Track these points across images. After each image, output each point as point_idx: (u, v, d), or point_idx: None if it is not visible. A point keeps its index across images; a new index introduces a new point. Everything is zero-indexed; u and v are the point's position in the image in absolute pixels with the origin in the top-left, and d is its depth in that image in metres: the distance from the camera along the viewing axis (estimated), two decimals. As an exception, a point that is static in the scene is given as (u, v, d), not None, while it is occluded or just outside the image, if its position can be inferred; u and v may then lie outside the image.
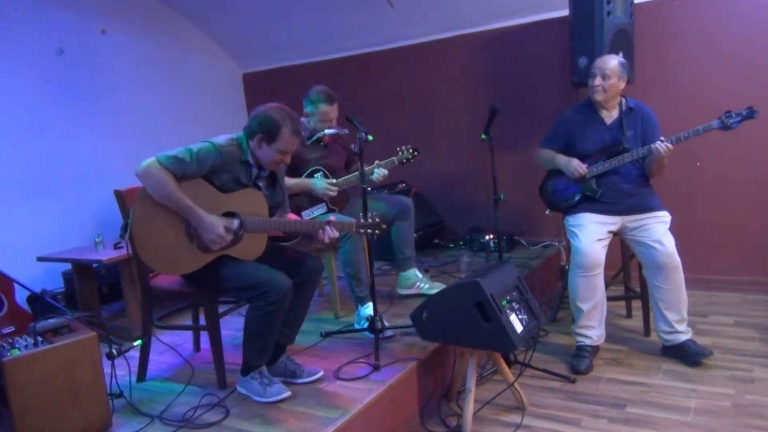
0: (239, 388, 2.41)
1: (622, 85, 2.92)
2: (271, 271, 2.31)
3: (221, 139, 2.35)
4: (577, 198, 3.00)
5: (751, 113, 2.69)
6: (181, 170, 2.23)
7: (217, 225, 2.27)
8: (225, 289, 2.41)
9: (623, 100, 2.99)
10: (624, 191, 2.90)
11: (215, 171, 2.32)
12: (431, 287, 3.35)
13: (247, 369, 2.37)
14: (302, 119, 3.31)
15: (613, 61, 2.89)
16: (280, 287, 2.25)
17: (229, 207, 2.36)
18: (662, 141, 2.76)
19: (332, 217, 2.48)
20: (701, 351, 2.79)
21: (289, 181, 3.16)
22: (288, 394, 2.31)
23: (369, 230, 2.48)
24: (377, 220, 2.49)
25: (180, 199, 2.23)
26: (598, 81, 2.90)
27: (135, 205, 2.29)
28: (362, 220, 2.49)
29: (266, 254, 2.47)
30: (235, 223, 2.33)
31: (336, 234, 2.43)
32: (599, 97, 2.92)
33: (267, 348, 2.37)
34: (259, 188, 2.47)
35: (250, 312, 2.32)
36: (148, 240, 2.30)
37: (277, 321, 2.31)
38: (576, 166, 2.97)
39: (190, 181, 2.28)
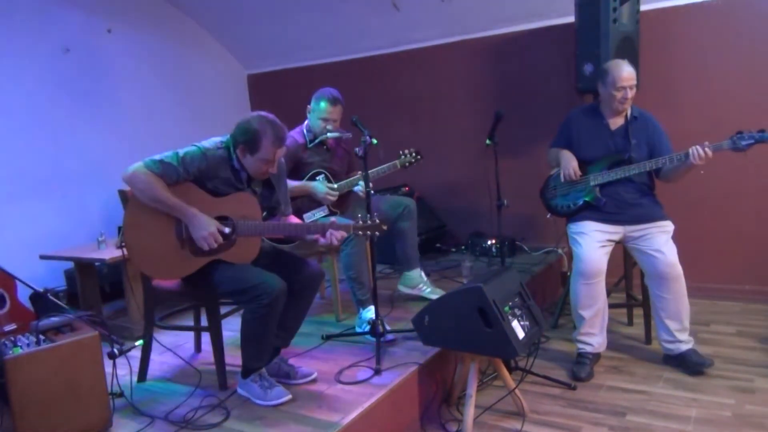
0: (240, 390, 2.41)
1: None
2: (263, 273, 2.31)
3: (208, 143, 2.37)
4: (580, 203, 3.00)
5: (763, 137, 2.63)
6: (168, 174, 2.25)
7: (209, 222, 2.28)
8: (219, 293, 2.42)
9: (628, 108, 2.99)
10: (627, 201, 2.89)
11: (205, 175, 2.33)
12: (433, 291, 3.35)
13: (246, 372, 2.38)
14: (305, 122, 3.32)
15: (633, 70, 2.86)
16: (273, 289, 2.24)
17: (222, 211, 2.35)
18: (705, 145, 2.65)
19: (333, 219, 2.46)
20: (702, 362, 2.78)
21: (291, 184, 3.17)
22: (289, 397, 2.31)
23: (369, 232, 2.43)
24: (377, 221, 2.44)
25: (169, 200, 2.25)
26: (630, 94, 2.85)
27: (125, 211, 2.33)
28: (361, 222, 2.44)
29: (266, 259, 2.48)
30: (227, 228, 2.32)
31: (342, 234, 2.38)
32: (626, 106, 2.90)
33: (264, 350, 2.37)
34: (254, 191, 2.47)
35: (244, 315, 2.33)
36: (140, 246, 2.33)
37: (272, 322, 2.31)
38: (571, 171, 2.97)
39: (180, 186, 2.30)
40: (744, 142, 2.66)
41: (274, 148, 2.32)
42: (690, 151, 2.67)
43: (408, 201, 3.39)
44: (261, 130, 2.30)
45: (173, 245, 2.33)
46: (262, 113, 2.37)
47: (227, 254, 2.36)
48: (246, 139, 2.31)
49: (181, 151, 2.30)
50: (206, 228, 2.26)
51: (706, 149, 2.64)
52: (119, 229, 2.39)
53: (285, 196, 2.66)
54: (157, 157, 2.27)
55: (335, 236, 2.36)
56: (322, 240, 2.38)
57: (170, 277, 2.43)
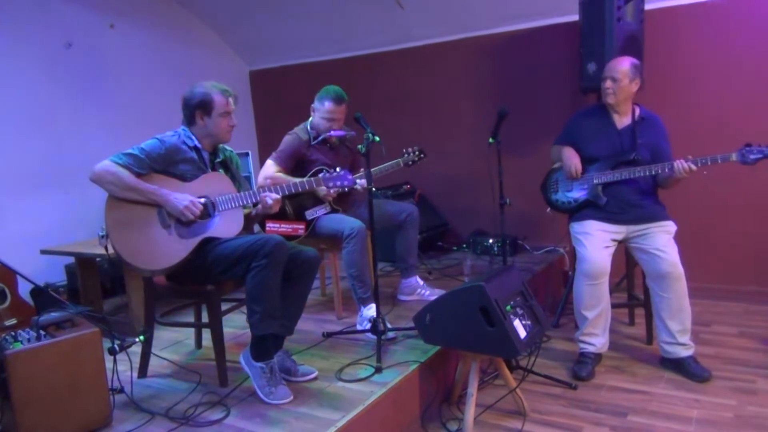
0: (243, 364, 2.41)
1: (635, 87, 2.88)
2: (257, 234, 2.38)
3: (165, 133, 2.48)
4: (581, 201, 2.99)
5: None
6: (133, 163, 2.35)
7: (184, 195, 2.36)
8: (218, 274, 2.39)
9: (636, 109, 2.97)
10: (630, 202, 2.88)
11: (169, 162, 2.42)
12: (432, 293, 3.35)
13: (258, 350, 2.35)
14: (309, 119, 3.31)
15: (624, 63, 2.87)
16: (270, 239, 2.29)
17: (197, 193, 2.42)
18: (687, 160, 2.69)
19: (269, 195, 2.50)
20: (701, 374, 2.73)
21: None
22: (291, 398, 2.30)
23: (338, 183, 2.56)
24: (341, 172, 2.57)
25: (141, 184, 2.34)
26: (608, 84, 2.88)
27: (105, 215, 2.35)
28: (326, 174, 2.56)
29: None
30: (202, 199, 2.39)
31: (275, 196, 2.45)
32: (610, 99, 2.90)
33: (272, 312, 2.32)
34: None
35: (248, 277, 2.31)
36: (129, 244, 2.34)
37: (275, 275, 2.31)
38: (573, 169, 2.96)
39: (152, 179, 2.38)
40: (753, 156, 2.63)
41: (225, 98, 2.46)
42: (675, 164, 2.71)
43: (411, 208, 3.38)
44: (206, 90, 2.46)
45: (160, 233, 2.36)
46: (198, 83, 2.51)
47: (214, 231, 2.41)
48: (197, 103, 2.45)
49: (142, 144, 2.41)
50: (183, 200, 2.34)
51: (690, 164, 2.67)
52: (103, 236, 2.40)
53: (241, 181, 2.72)
54: (122, 152, 2.37)
55: (269, 196, 2.46)
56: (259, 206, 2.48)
57: (167, 265, 2.39)
